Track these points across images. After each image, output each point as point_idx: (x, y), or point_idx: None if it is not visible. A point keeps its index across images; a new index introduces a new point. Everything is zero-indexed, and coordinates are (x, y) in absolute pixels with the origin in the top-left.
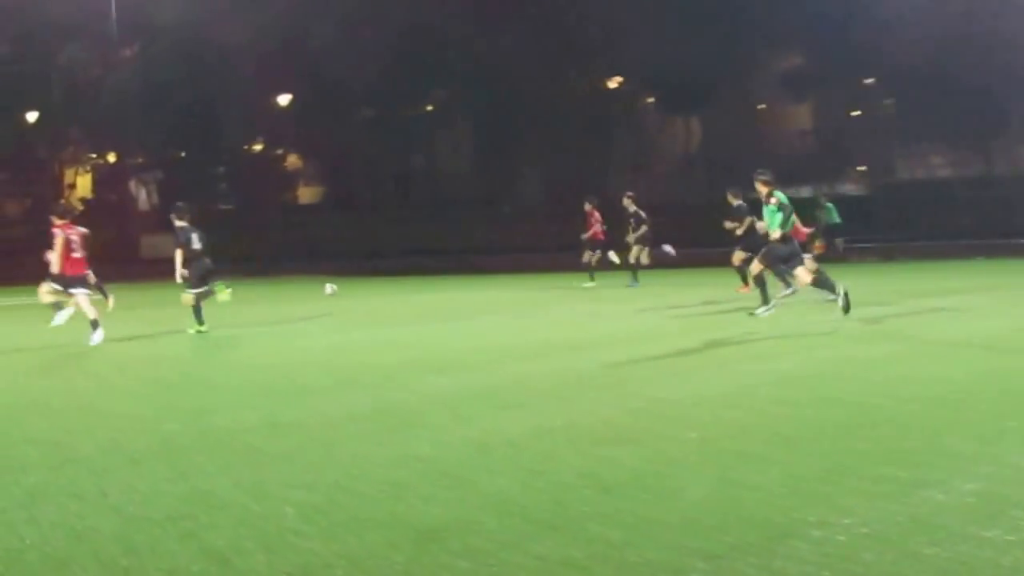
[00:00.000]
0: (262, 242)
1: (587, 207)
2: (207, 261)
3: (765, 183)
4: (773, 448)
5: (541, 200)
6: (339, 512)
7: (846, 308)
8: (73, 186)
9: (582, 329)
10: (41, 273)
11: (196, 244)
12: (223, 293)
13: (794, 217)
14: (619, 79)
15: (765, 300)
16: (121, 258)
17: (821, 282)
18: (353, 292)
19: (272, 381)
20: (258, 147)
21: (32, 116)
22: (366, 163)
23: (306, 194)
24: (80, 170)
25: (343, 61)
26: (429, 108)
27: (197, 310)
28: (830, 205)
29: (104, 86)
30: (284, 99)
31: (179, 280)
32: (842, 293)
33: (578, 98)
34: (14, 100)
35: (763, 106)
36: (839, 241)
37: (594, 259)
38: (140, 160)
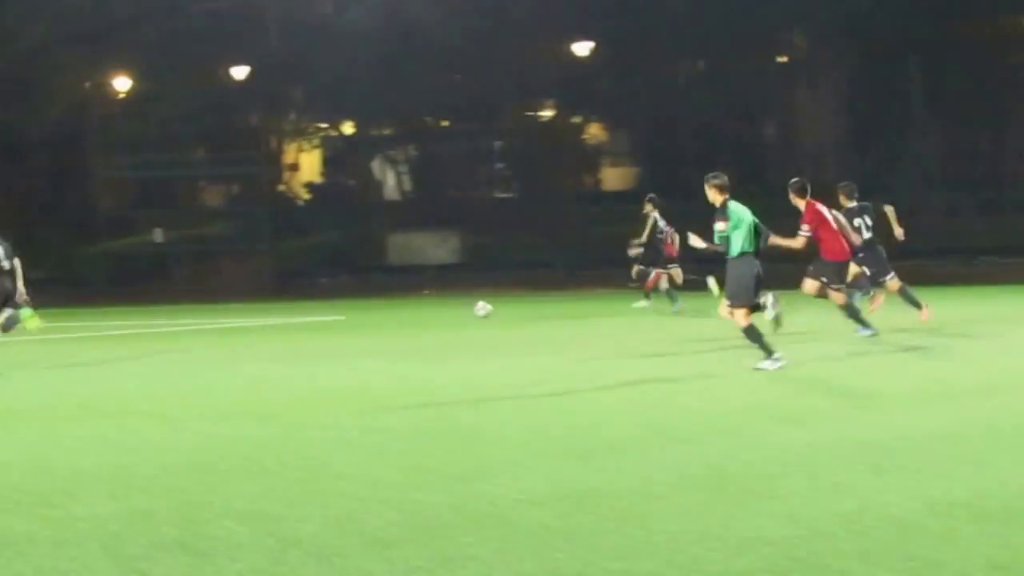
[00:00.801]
0: (554, 242)
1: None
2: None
3: (719, 189)
4: None
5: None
6: None
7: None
8: (295, 167)
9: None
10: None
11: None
12: (31, 320)
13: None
14: None
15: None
16: (361, 264)
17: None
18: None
19: (559, 432)
20: (547, 113)
21: (240, 72)
22: (696, 133)
23: (613, 177)
24: (305, 145)
25: None
26: (782, 59)
27: None
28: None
29: (336, 30)
30: (582, 48)
31: None
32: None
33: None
34: (216, 51)
35: None
36: None
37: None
38: (386, 131)
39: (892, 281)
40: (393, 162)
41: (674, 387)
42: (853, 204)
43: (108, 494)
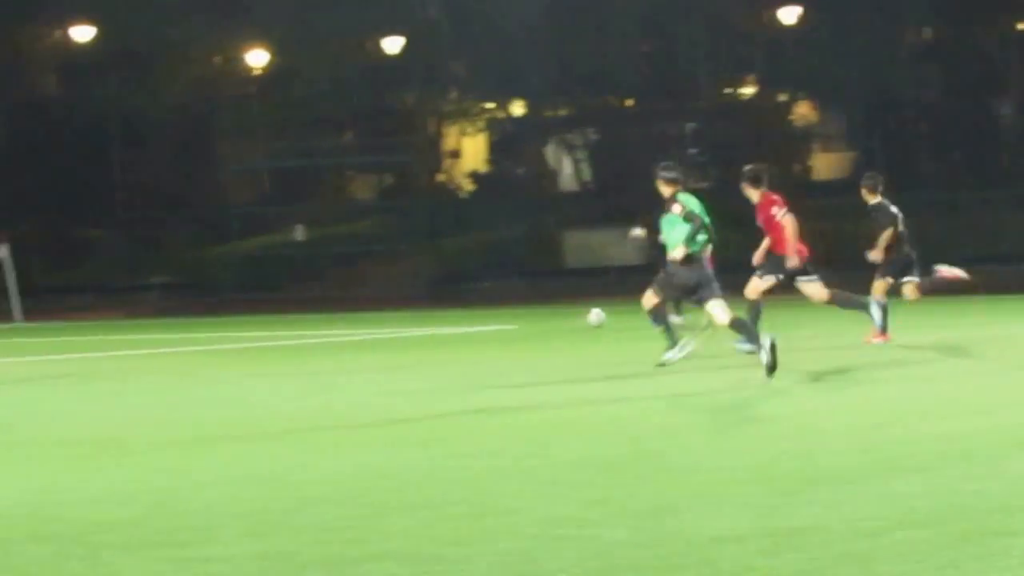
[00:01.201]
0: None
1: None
2: None
3: (669, 182)
4: None
5: None
6: None
7: (771, 367)
8: (457, 154)
9: None
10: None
11: None
12: None
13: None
14: None
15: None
16: (533, 266)
17: (739, 326)
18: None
19: (762, 461)
20: (747, 90)
21: (393, 44)
22: (921, 112)
23: (824, 164)
24: (468, 128)
25: None
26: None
27: None
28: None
29: None
30: (789, 14)
31: None
32: (768, 345)
33: None
34: (365, 19)
35: None
36: None
37: None
38: (562, 112)
39: (908, 287)
40: (570, 148)
41: (900, 407)
42: (878, 200)
43: (244, 532)
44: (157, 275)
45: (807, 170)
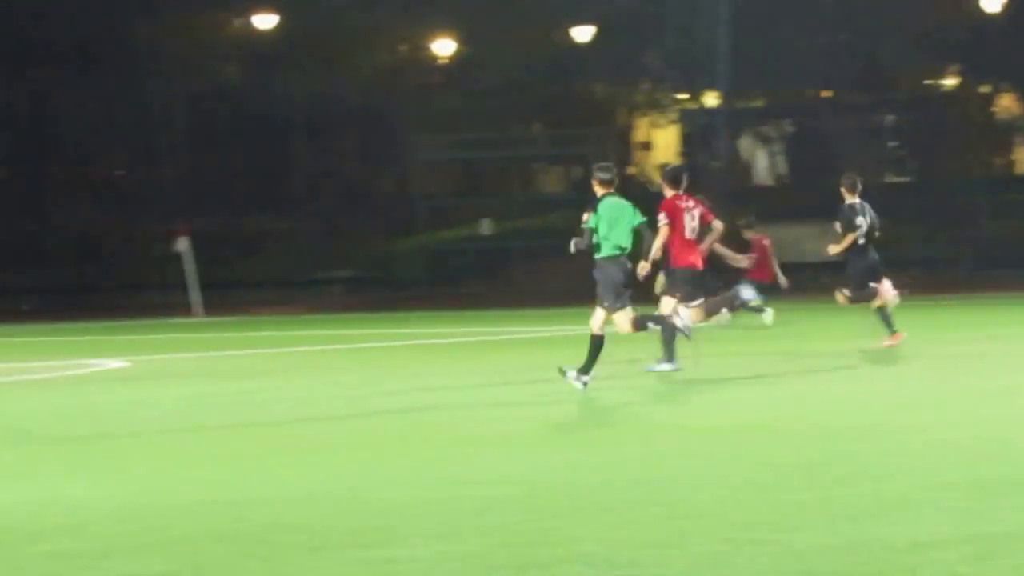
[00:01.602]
0: (957, 235)
1: None
2: None
3: (603, 183)
4: None
5: None
6: None
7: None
8: (648, 145)
9: None
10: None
11: None
12: None
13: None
14: None
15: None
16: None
17: (639, 326)
18: None
19: (964, 464)
20: (949, 81)
21: (582, 33)
22: None
23: None
24: (660, 120)
25: None
26: None
27: None
28: None
29: None
30: (992, 3)
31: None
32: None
33: None
34: (554, 8)
35: None
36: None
37: None
38: (757, 103)
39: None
40: (765, 140)
41: None
42: (855, 200)
43: (431, 533)
44: (340, 269)
45: (1010, 164)
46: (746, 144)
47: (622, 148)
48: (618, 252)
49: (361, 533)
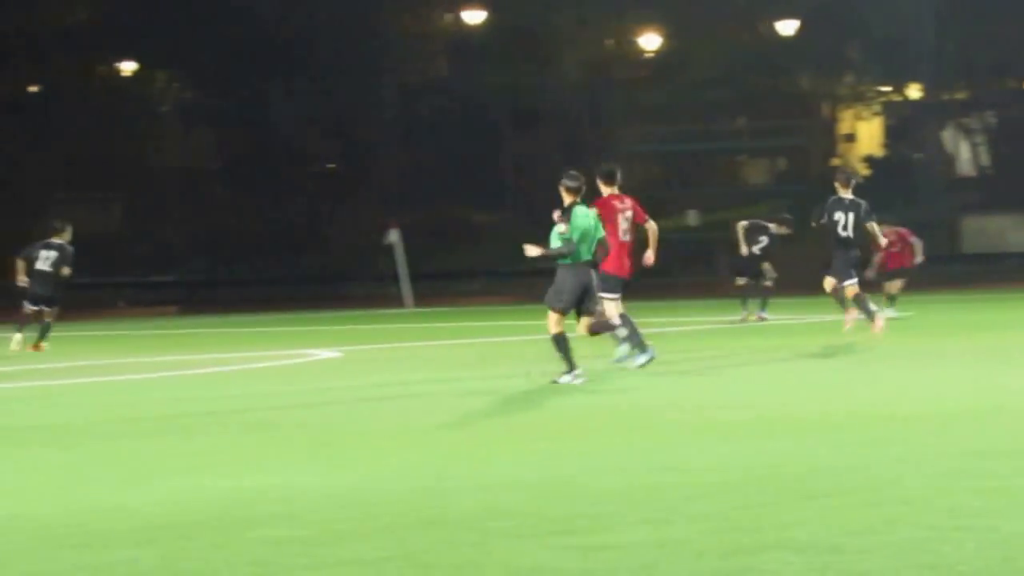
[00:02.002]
0: None
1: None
2: None
3: (570, 191)
4: None
5: None
6: None
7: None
8: (852, 138)
9: None
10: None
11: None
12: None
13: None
14: None
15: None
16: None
17: (600, 328)
18: None
19: None
20: None
21: (787, 27)
22: None
23: None
24: (863, 112)
25: None
26: None
27: None
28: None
29: None
30: None
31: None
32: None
33: None
34: (758, 2)
35: None
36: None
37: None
38: (960, 95)
39: (851, 287)
40: (968, 131)
41: None
42: (846, 196)
43: (641, 519)
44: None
45: None
46: (949, 136)
47: (826, 140)
48: (582, 260)
49: (571, 520)
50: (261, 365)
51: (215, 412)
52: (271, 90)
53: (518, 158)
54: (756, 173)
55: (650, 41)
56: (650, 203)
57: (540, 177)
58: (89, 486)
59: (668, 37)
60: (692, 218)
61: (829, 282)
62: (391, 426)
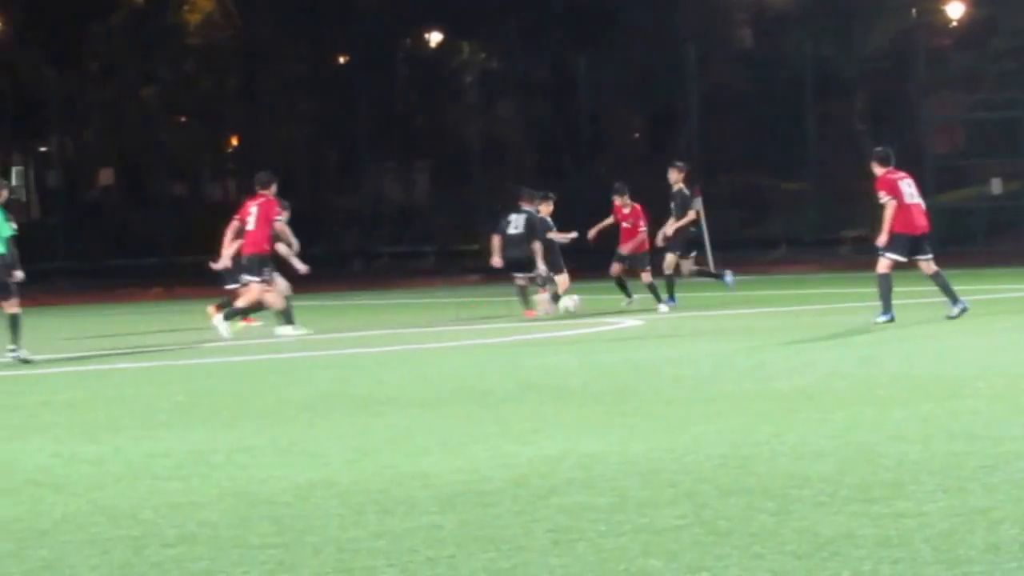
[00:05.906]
0: None
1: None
2: None
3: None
4: None
5: None
6: None
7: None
8: None
9: None
10: None
11: None
12: None
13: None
14: None
15: None
16: None
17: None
18: None
19: None
20: None
21: None
22: None
23: None
24: None
25: None
26: None
27: None
28: None
29: None
30: None
31: None
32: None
33: None
34: None
35: None
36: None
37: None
38: None
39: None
40: None
41: None
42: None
43: (937, 487)
44: (849, 229)
45: None
46: None
47: None
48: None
49: (869, 488)
50: (563, 333)
51: (516, 381)
52: (576, 60)
53: (823, 127)
54: None
55: (955, 9)
56: (956, 172)
57: (843, 145)
58: (389, 454)
59: (973, 5)
60: (995, 187)
61: None
62: (687, 395)
